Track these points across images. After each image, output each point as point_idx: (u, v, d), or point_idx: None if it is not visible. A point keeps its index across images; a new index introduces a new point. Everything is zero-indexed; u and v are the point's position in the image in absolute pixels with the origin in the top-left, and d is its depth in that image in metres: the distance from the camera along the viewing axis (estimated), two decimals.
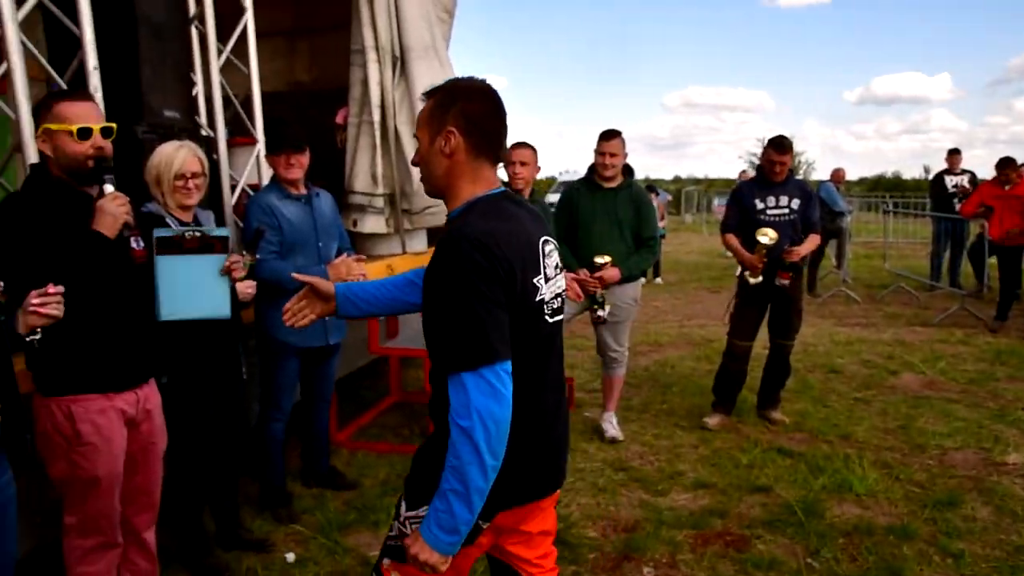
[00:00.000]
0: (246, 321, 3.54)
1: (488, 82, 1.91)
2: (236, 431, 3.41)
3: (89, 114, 2.40)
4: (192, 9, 3.90)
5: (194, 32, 3.96)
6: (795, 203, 4.97)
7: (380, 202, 4.81)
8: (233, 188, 4.00)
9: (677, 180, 66.60)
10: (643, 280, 5.09)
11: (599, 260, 4.57)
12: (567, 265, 4.67)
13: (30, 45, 2.92)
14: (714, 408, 5.29)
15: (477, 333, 1.67)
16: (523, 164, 4.21)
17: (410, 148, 4.79)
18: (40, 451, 2.44)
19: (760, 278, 4.90)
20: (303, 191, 3.67)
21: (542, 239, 1.86)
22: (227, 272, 2.81)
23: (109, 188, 2.41)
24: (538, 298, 1.80)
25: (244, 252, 2.94)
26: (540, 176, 4.48)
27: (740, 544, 3.58)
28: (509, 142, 5.88)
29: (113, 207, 2.38)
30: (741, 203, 5.10)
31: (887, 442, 4.86)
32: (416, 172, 4.77)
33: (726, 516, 3.84)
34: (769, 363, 5.30)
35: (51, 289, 2.04)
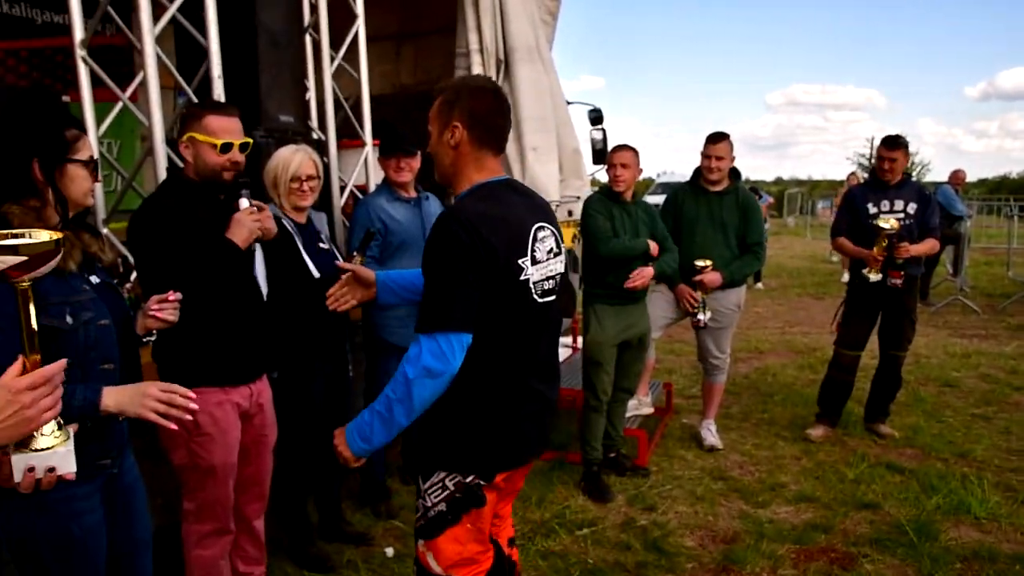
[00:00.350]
0: (353, 320, 3.65)
1: (493, 81, 2.11)
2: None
3: (232, 129, 2.56)
4: (307, 18, 4.05)
5: (308, 39, 4.11)
6: (911, 207, 4.74)
7: None
8: (342, 190, 4.13)
9: (779, 182, 64.76)
10: (753, 284, 4.96)
11: (700, 263, 4.49)
12: (670, 276, 4.62)
13: (163, 57, 3.10)
14: (818, 419, 5.11)
15: (441, 303, 1.90)
16: (624, 166, 4.17)
17: (512, 151, 4.82)
18: (163, 440, 2.58)
19: (880, 275, 4.66)
20: (413, 194, 3.75)
21: (535, 225, 2.04)
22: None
23: (244, 203, 2.55)
24: (523, 277, 1.98)
25: (355, 253, 3.03)
26: (639, 177, 4.42)
27: (846, 562, 3.44)
28: (609, 145, 5.90)
29: (249, 221, 2.53)
30: (852, 206, 4.91)
31: (1011, 463, 4.57)
32: (518, 174, 4.83)
33: (830, 532, 3.71)
34: (879, 374, 5.08)
35: (171, 296, 2.13)
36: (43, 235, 1.36)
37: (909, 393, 5.73)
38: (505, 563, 2.35)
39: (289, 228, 3.08)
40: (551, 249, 2.08)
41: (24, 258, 1.32)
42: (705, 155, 4.57)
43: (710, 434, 4.89)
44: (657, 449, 4.82)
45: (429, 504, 2.09)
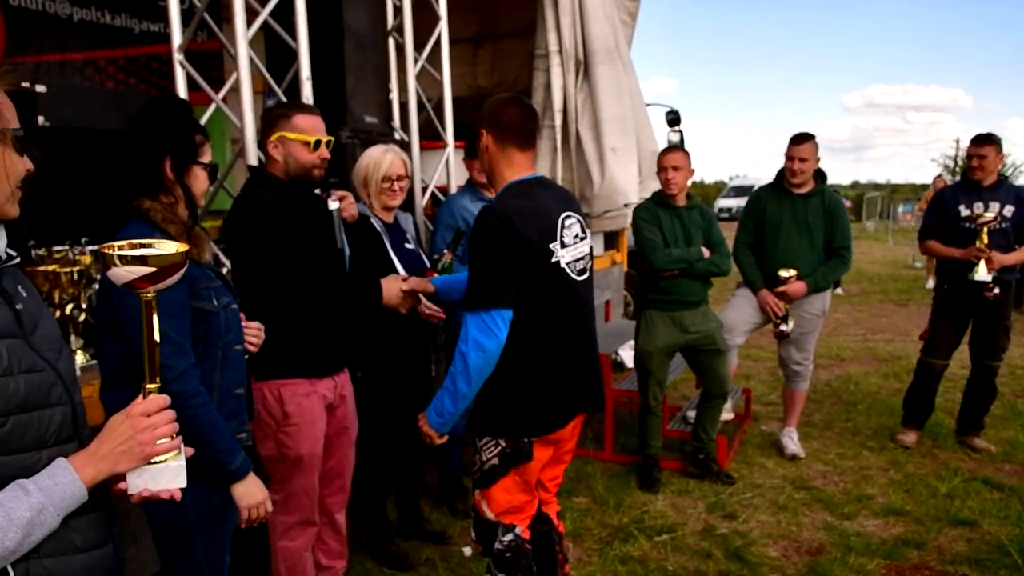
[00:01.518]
0: (437, 320, 3.66)
1: (515, 94, 2.53)
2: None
3: (318, 127, 2.61)
4: (391, 21, 4.10)
5: (391, 42, 4.17)
6: (1008, 210, 4.50)
7: None
8: (423, 191, 4.17)
9: (856, 186, 62.78)
10: (833, 290, 4.78)
11: (783, 274, 4.36)
12: (751, 281, 4.50)
13: (256, 59, 3.18)
14: (905, 425, 4.91)
15: (483, 285, 2.21)
16: (675, 169, 4.06)
17: (591, 152, 4.79)
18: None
19: (991, 274, 4.38)
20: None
21: (563, 215, 2.33)
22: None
23: (334, 204, 2.60)
24: (554, 260, 2.28)
25: (445, 251, 3.06)
26: (709, 180, 4.34)
27: None
28: (687, 147, 5.79)
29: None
30: (942, 208, 4.70)
31: None
32: (597, 176, 4.79)
33: (923, 548, 3.55)
34: (971, 385, 4.84)
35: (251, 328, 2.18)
36: (171, 246, 1.35)
37: (1005, 406, 5.46)
38: (554, 534, 2.69)
39: (378, 228, 3.11)
40: (577, 234, 2.38)
41: (152, 269, 1.30)
42: (788, 156, 4.44)
43: (791, 442, 4.74)
44: (736, 456, 4.71)
45: (484, 459, 2.41)
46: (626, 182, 4.84)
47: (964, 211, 4.56)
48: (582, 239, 2.41)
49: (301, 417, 2.61)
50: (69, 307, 2.55)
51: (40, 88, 2.77)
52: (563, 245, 2.31)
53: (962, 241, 4.51)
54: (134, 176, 1.94)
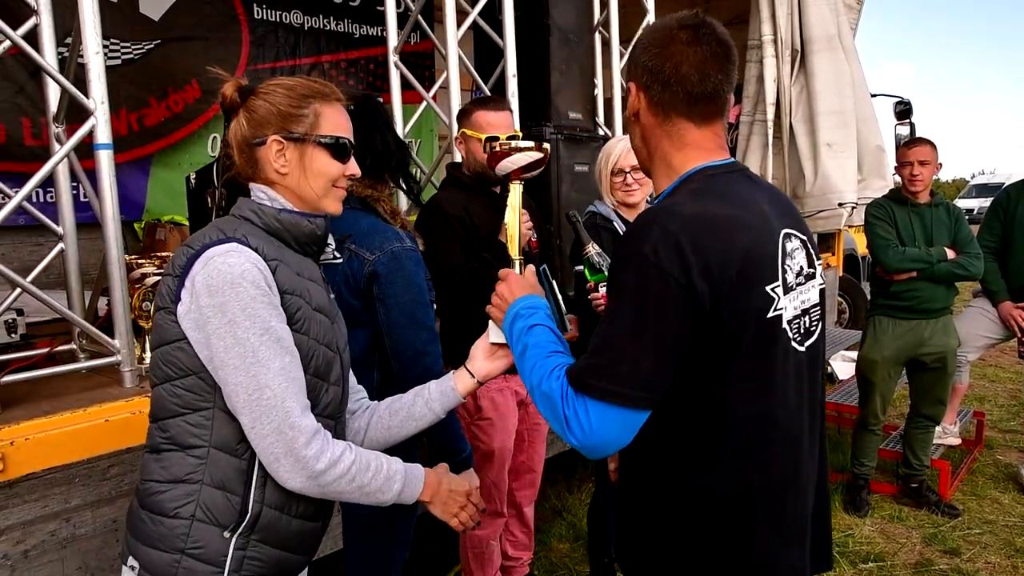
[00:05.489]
0: None
1: (689, 15, 1.39)
2: None
3: (500, 123, 2.59)
4: (597, 16, 4.08)
5: (597, 37, 4.15)
6: None
7: None
8: None
9: None
10: None
11: None
12: (992, 292, 4.01)
13: (464, 58, 3.29)
14: None
15: (617, 360, 1.53)
16: (923, 163, 3.63)
17: (805, 147, 4.49)
18: None
19: None
20: None
21: (783, 231, 1.33)
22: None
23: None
24: (771, 314, 1.31)
25: (588, 245, 3.03)
26: (948, 178, 3.88)
27: None
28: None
29: (522, 227, 2.54)
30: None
31: None
32: (810, 173, 4.49)
33: None
34: None
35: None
36: (531, 144, 1.63)
37: None
38: None
39: (617, 227, 2.76)
40: (802, 267, 1.36)
41: (537, 156, 1.61)
42: None
43: None
44: (963, 486, 4.21)
45: None
46: (842, 180, 4.48)
47: None
48: (810, 276, 1.38)
49: (494, 412, 2.66)
50: None
51: None
52: (785, 288, 1.29)
53: None
54: None
